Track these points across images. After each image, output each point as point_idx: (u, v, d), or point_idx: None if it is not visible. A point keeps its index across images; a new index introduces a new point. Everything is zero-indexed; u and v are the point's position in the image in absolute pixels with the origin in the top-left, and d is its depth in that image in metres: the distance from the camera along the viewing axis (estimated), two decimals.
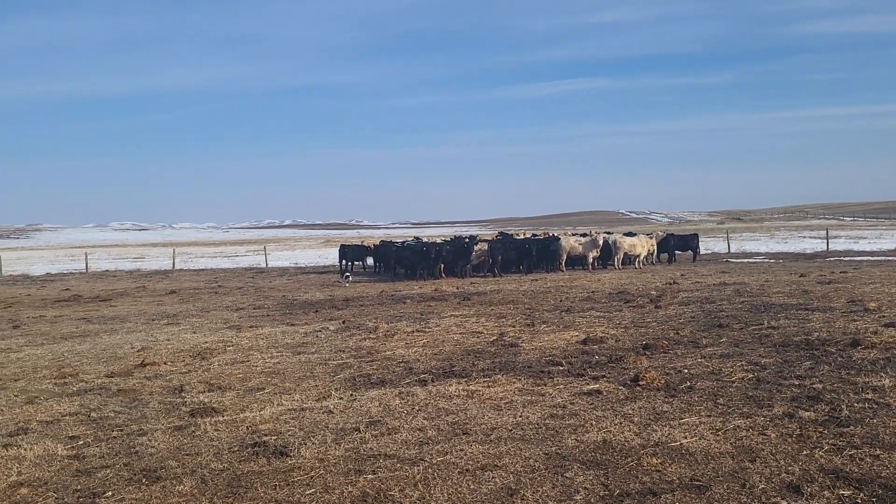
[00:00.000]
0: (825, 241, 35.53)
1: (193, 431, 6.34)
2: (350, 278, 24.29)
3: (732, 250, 35.14)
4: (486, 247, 24.93)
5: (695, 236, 30.10)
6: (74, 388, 8.35)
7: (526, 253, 25.15)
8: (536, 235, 31.62)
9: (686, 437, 5.51)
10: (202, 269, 36.32)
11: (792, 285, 16.47)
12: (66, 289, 26.00)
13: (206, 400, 7.52)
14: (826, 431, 5.52)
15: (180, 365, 9.58)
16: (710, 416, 6.05)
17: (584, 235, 28.84)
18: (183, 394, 7.87)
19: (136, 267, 40.47)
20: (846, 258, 27.70)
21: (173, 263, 37.78)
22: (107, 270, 38.10)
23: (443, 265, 25.01)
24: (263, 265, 37.24)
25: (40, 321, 15.73)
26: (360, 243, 32.84)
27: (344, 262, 30.02)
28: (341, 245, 31.61)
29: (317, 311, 15.40)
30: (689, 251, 29.57)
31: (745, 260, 28.81)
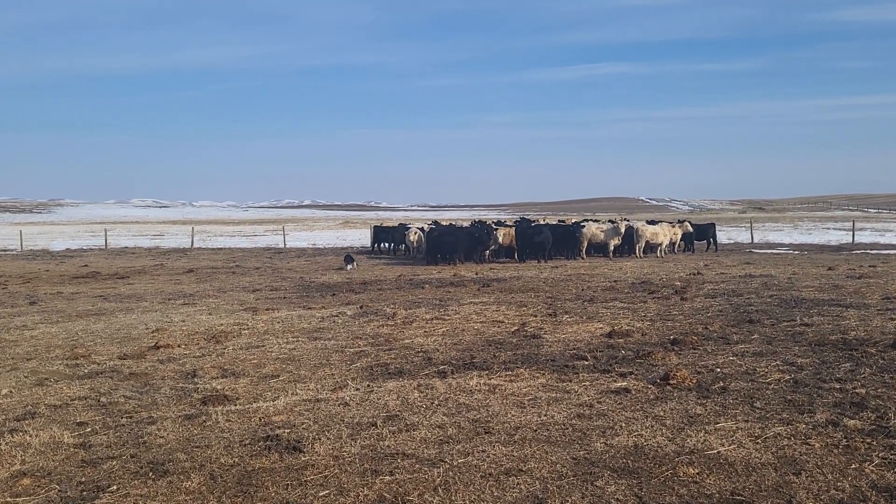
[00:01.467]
0: (850, 232, 34.83)
1: (204, 421, 6.10)
2: (354, 264, 23.08)
3: (755, 240, 34.51)
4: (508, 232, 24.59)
5: (712, 226, 29.69)
6: (86, 370, 8.15)
7: (546, 239, 24.67)
8: (563, 221, 31.28)
9: (723, 445, 5.17)
10: (220, 248, 36.28)
11: (821, 279, 16.01)
12: (85, 265, 26.00)
13: (218, 387, 7.28)
14: (875, 443, 5.15)
15: (194, 348, 9.37)
16: (747, 420, 5.70)
17: (609, 222, 28.39)
18: (195, 379, 7.64)
19: (155, 244, 40.52)
20: (873, 251, 27.06)
21: (192, 241, 37.77)
22: (126, 247, 38.18)
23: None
24: (281, 245, 37.14)
25: (57, 298, 15.62)
26: (396, 225, 32.50)
27: (378, 244, 29.93)
28: (374, 227, 31.48)
29: (334, 295, 15.17)
30: (706, 241, 29.08)
31: (769, 251, 28.26)
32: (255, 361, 8.47)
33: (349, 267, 22.60)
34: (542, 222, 31.97)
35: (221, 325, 11.24)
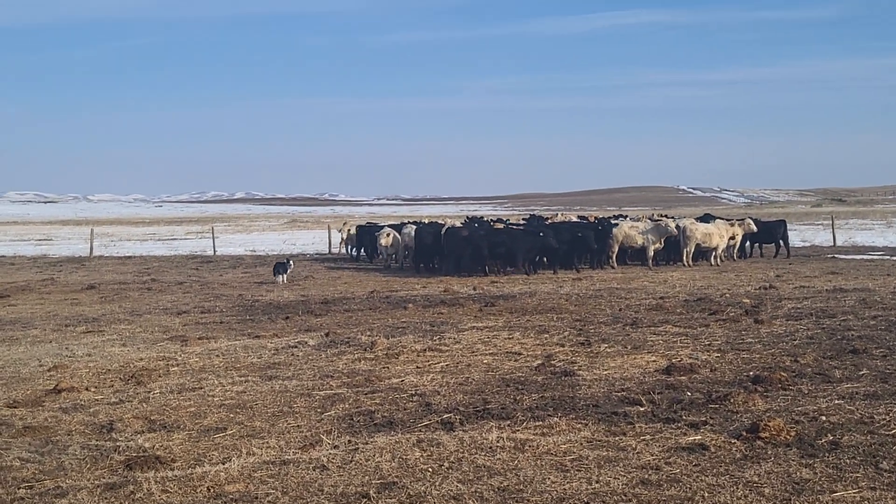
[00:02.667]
0: None
1: (133, 493, 5.91)
2: (285, 278, 22.40)
3: (839, 243, 34.71)
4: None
5: (781, 223, 29.73)
6: None
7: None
8: (584, 218, 31.41)
9: None
10: (129, 257, 36.00)
11: None
12: None
13: (146, 444, 7.10)
14: None
15: (108, 391, 9.19)
16: (873, 488, 5.60)
17: (648, 220, 28.44)
18: (114, 434, 7.46)
19: (42, 252, 40.11)
20: None
21: (91, 248, 37.39)
22: (2, 256, 37.74)
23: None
24: (210, 252, 36.89)
25: None
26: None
27: (363, 250, 30.25)
28: (358, 227, 31.63)
29: (287, 318, 15.01)
30: (773, 243, 29.15)
31: (858, 256, 28.43)
32: (193, 409, 8.31)
33: (280, 279, 22.16)
34: (560, 219, 32.05)
35: (141, 359, 11.06)
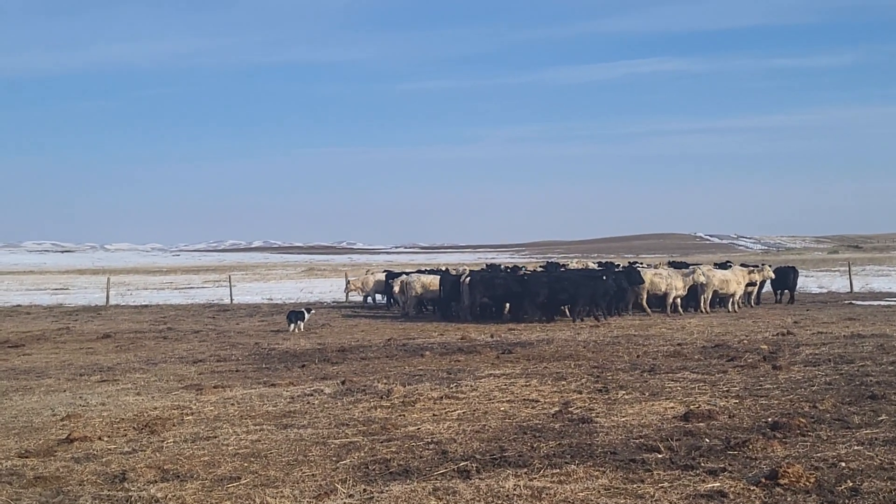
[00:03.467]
0: None
1: None
2: (302, 326, 22.57)
3: (856, 289, 34.52)
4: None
5: (792, 270, 29.87)
6: None
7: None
8: (611, 264, 31.44)
9: None
10: (145, 306, 36.16)
11: None
12: None
13: (159, 494, 7.06)
14: None
15: (121, 441, 9.15)
16: None
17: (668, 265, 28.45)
18: (126, 484, 7.42)
19: (58, 301, 40.35)
20: None
21: (107, 297, 37.63)
22: (18, 305, 37.99)
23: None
24: (227, 301, 37.02)
25: None
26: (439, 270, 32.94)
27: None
28: (387, 272, 32.07)
29: (303, 366, 15.01)
30: (782, 290, 29.52)
31: (875, 302, 28.24)
32: (206, 458, 8.26)
33: (292, 327, 22.23)
34: (574, 265, 32.10)
35: (155, 408, 11.04)
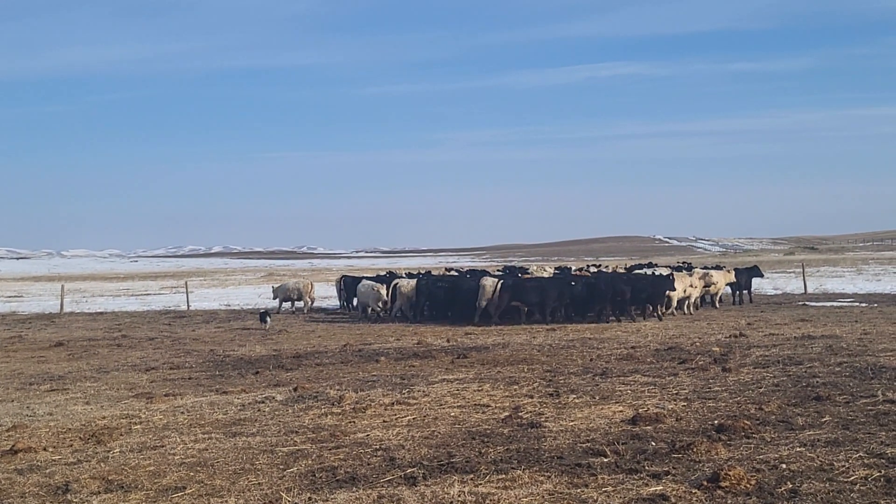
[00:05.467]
0: None
1: None
2: (269, 321, 24.74)
3: (810, 290, 35.00)
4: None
5: (747, 271, 30.48)
6: None
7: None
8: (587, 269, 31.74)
9: None
10: (101, 313, 35.65)
11: None
12: None
13: None
14: None
15: (66, 451, 9.03)
16: None
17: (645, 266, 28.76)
18: (69, 495, 7.34)
19: (11, 309, 39.65)
20: None
21: (61, 304, 37.06)
22: None
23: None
24: (184, 307, 36.65)
25: None
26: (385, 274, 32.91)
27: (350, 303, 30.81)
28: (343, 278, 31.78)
29: (257, 373, 14.92)
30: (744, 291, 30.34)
31: (828, 303, 28.66)
32: (152, 468, 8.18)
33: (266, 325, 24.29)
34: (535, 272, 32.32)
35: (103, 418, 10.91)
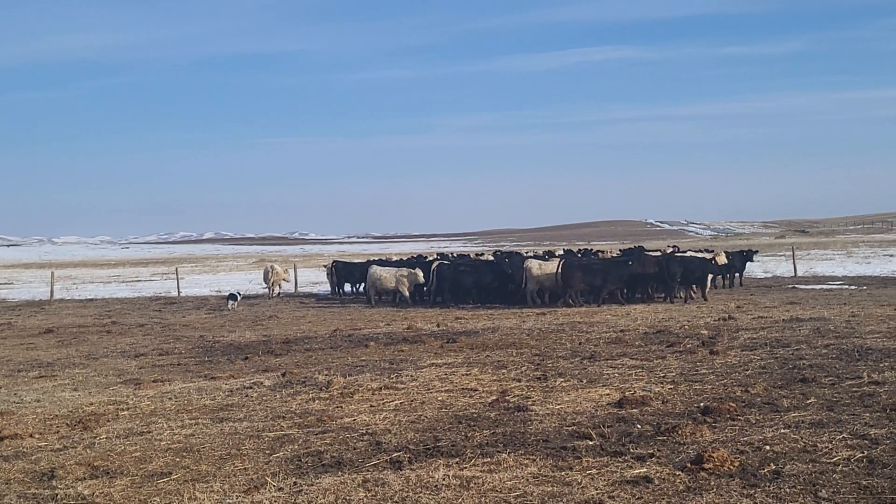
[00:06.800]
0: None
1: None
2: (236, 302, 26.25)
3: (800, 273, 35.12)
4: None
5: (739, 254, 30.56)
6: None
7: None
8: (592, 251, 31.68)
9: None
10: (91, 300, 35.63)
11: (889, 321, 16.24)
12: None
13: (86, 492, 6.97)
14: None
15: (52, 438, 9.03)
16: None
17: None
18: (54, 482, 7.31)
19: (1, 296, 39.58)
20: None
21: (51, 291, 36.95)
22: None
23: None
24: (174, 293, 36.62)
25: None
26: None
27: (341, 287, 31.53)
28: (335, 263, 31.89)
29: (246, 359, 14.91)
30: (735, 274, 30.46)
31: (818, 286, 28.76)
32: (138, 454, 8.18)
33: (231, 304, 25.42)
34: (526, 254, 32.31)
35: (91, 404, 10.90)
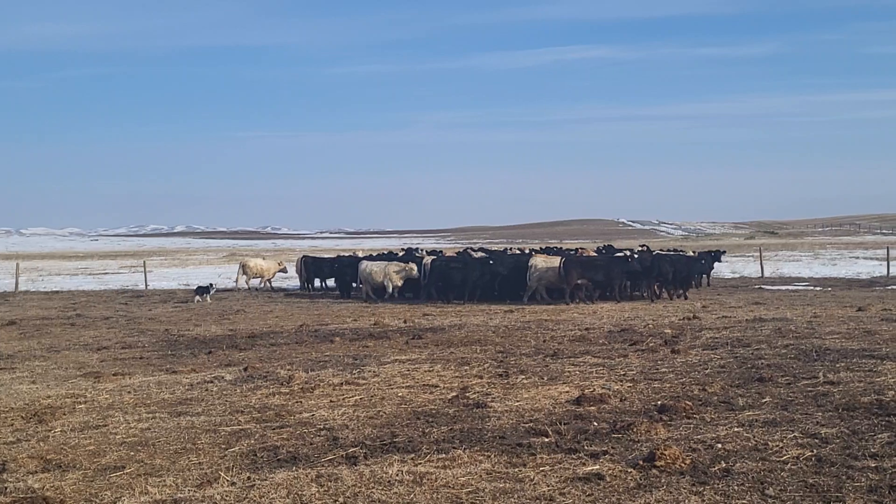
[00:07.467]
0: (885, 263, 35.98)
1: None
2: (208, 295, 26.57)
3: (766, 274, 35.43)
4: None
5: (708, 255, 30.67)
6: None
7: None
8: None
9: None
10: (57, 292, 35.21)
11: (849, 323, 16.44)
12: None
13: (36, 485, 6.91)
14: None
15: (6, 431, 8.93)
16: None
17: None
18: (4, 475, 7.25)
19: None
20: None
21: (16, 283, 36.53)
22: None
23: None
24: (142, 286, 36.31)
25: None
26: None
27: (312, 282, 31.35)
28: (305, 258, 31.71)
29: (210, 353, 14.82)
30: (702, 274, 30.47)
31: (784, 287, 29.05)
32: (93, 448, 8.12)
33: (198, 299, 25.85)
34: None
35: (48, 397, 10.79)
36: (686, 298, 24.44)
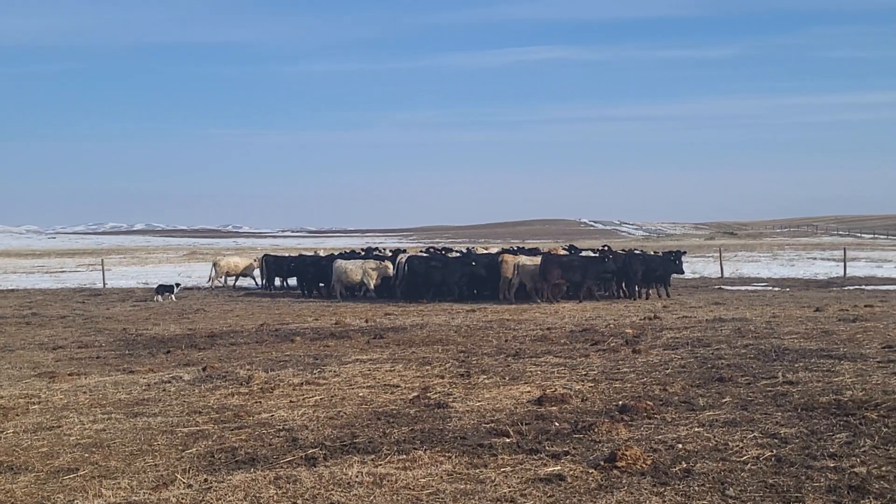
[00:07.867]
0: (842, 264, 36.52)
1: None
2: (172, 294, 26.61)
3: (726, 274, 35.78)
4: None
5: (677, 254, 30.80)
6: None
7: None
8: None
9: None
10: (12, 290, 34.67)
11: (807, 323, 16.61)
12: None
13: None
14: None
15: None
16: None
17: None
18: None
19: None
20: (869, 287, 28.48)
21: None
22: None
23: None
24: (99, 285, 35.82)
25: None
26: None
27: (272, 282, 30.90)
28: (266, 257, 31.35)
29: (168, 353, 14.63)
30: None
31: (743, 287, 29.35)
32: (45, 450, 7.97)
33: (158, 298, 25.96)
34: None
35: (1, 398, 10.56)
36: (668, 297, 24.94)
